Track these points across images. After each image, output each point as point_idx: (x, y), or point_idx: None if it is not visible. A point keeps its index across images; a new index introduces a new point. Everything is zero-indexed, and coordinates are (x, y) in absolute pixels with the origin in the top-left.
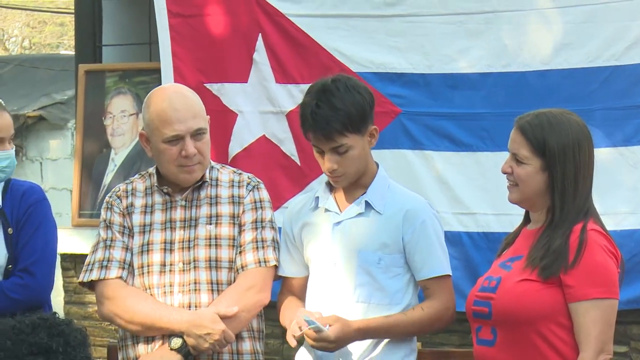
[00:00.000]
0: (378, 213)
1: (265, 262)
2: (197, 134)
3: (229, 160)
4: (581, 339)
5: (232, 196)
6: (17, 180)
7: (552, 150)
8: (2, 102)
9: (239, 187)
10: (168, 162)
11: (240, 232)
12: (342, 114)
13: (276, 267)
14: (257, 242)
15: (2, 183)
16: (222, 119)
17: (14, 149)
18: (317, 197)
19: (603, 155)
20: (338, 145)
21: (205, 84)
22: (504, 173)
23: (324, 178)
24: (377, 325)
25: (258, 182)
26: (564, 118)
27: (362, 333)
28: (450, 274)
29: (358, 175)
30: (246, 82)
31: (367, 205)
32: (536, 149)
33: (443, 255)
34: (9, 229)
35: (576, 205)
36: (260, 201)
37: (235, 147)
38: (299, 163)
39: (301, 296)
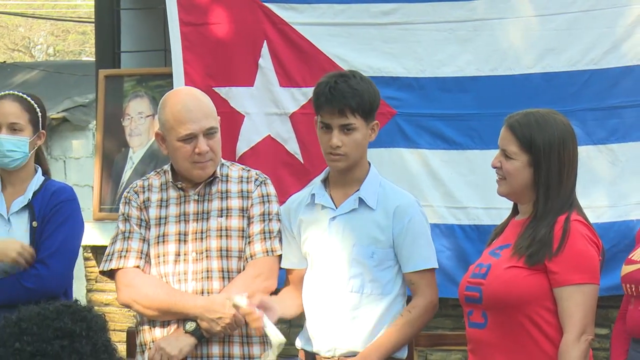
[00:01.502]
0: (370, 209)
1: (272, 251)
2: (209, 133)
3: (237, 159)
4: (565, 321)
5: (242, 191)
6: (52, 180)
7: (538, 147)
8: (20, 94)
9: (247, 182)
10: (183, 159)
11: (249, 224)
12: (358, 94)
13: (282, 255)
14: (264, 233)
15: (38, 183)
16: (230, 120)
17: (26, 140)
18: (313, 194)
19: (583, 152)
20: (347, 123)
21: (213, 88)
22: (494, 167)
23: (321, 176)
24: (386, 348)
25: (265, 178)
26: (550, 117)
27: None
28: (435, 267)
29: (354, 162)
30: (252, 86)
31: (361, 201)
32: (523, 146)
33: (429, 250)
34: (34, 222)
35: (560, 199)
36: (267, 195)
37: (242, 147)
38: (302, 161)
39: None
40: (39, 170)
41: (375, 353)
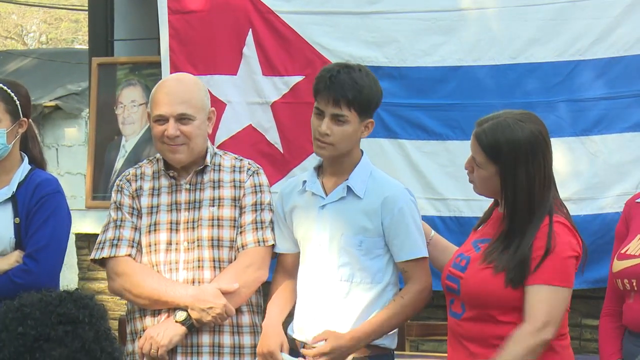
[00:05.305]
0: (358, 198)
1: (264, 241)
2: (181, 119)
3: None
4: (526, 314)
5: (234, 180)
6: (38, 170)
7: (504, 162)
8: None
9: (239, 172)
10: (155, 140)
11: (240, 214)
12: (357, 87)
13: (274, 246)
14: (256, 223)
15: (24, 173)
16: None
17: (3, 131)
18: (305, 181)
19: (566, 144)
20: (340, 114)
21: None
22: (466, 169)
23: (307, 165)
24: (367, 330)
25: (258, 167)
26: (519, 127)
27: (356, 340)
28: (427, 255)
29: (341, 154)
30: (235, 75)
31: (349, 190)
32: (490, 157)
33: (420, 239)
34: (16, 219)
35: (537, 210)
36: (260, 185)
37: (222, 135)
38: (281, 151)
39: (293, 272)
40: (25, 159)
41: (352, 333)
